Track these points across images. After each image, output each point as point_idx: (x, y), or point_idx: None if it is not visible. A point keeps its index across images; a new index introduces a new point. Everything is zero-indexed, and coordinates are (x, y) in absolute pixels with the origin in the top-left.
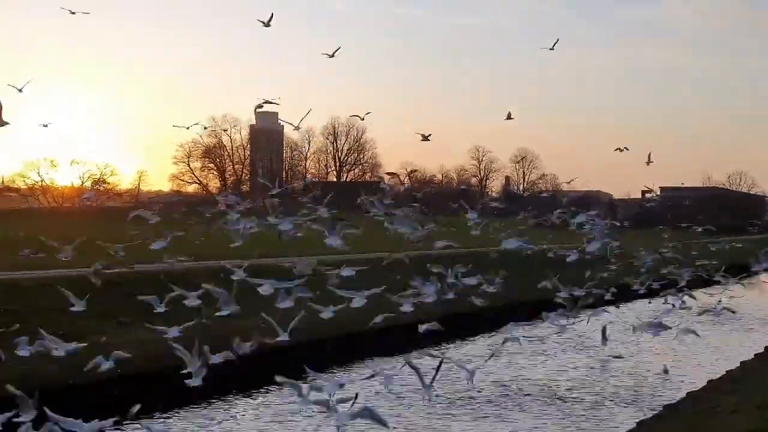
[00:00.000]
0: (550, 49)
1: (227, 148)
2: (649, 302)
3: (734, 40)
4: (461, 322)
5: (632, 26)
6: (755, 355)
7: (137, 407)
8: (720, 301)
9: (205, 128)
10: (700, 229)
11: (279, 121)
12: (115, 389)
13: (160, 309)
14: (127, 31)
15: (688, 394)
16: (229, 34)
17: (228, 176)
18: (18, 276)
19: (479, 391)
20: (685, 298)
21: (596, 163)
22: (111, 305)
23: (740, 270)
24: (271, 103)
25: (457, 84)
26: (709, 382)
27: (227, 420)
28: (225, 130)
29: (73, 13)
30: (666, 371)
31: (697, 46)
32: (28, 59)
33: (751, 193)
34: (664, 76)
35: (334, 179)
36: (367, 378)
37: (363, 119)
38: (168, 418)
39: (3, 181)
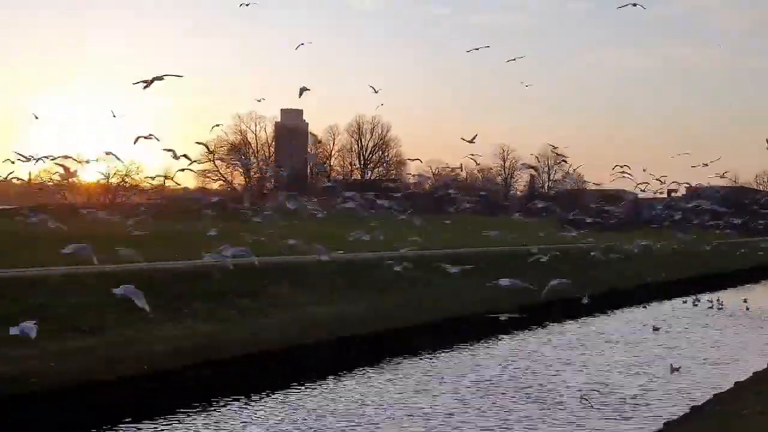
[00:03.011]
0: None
1: (252, 144)
2: (684, 301)
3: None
4: None
5: (641, 25)
6: None
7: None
8: (746, 300)
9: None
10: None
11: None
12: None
13: None
14: (150, 26)
15: (714, 395)
16: (257, 32)
17: (253, 173)
18: (47, 272)
19: (504, 394)
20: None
21: (617, 162)
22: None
23: None
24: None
25: (482, 82)
26: (736, 383)
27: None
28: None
29: (247, 5)
30: (675, 370)
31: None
32: (52, 52)
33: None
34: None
35: (359, 177)
36: None
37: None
38: (194, 412)
39: (30, 178)
